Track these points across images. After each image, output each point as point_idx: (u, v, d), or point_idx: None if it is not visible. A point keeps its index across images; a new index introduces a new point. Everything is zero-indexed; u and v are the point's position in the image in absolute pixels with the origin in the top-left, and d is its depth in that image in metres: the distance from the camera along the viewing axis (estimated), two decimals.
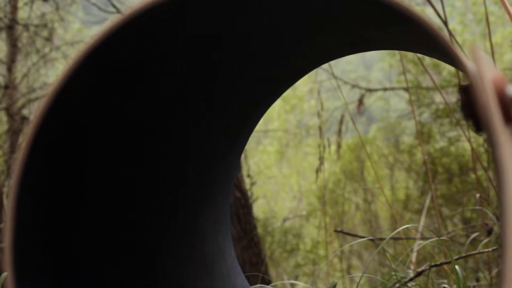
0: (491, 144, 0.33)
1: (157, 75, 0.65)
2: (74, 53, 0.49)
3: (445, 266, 1.34)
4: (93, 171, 0.64)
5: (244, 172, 4.02)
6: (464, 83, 0.36)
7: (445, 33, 0.39)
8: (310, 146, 9.30)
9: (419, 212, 5.07)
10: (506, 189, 0.32)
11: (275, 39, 0.67)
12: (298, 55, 0.75)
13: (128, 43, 0.55)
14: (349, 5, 0.55)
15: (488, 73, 0.36)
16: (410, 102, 2.08)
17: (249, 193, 3.51)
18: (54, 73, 6.71)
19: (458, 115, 4.36)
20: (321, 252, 5.94)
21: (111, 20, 0.49)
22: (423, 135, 5.15)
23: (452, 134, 5.19)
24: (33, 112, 0.50)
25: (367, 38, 0.68)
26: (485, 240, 1.38)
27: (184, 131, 0.74)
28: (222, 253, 0.84)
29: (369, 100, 6.34)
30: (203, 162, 0.79)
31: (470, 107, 0.36)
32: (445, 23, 1.56)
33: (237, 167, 0.91)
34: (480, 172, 3.27)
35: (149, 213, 0.73)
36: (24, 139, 0.49)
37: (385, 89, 6.61)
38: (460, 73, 1.54)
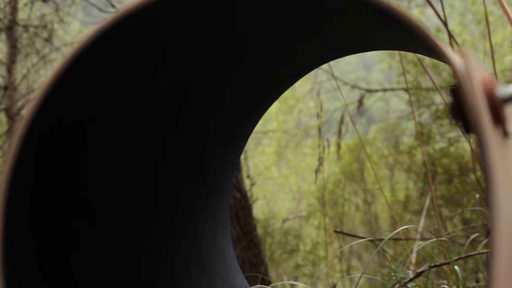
0: (480, 145, 0.33)
1: (150, 75, 0.65)
2: (67, 51, 0.49)
3: (445, 267, 1.34)
4: (88, 168, 0.64)
5: (244, 173, 4.01)
6: (453, 84, 0.36)
7: (431, 32, 0.39)
8: (309, 147, 9.30)
9: (419, 213, 5.07)
10: (495, 189, 0.32)
11: (274, 40, 0.67)
12: (297, 55, 0.75)
13: (120, 41, 0.55)
14: (346, 7, 0.55)
15: (477, 74, 0.36)
16: (410, 103, 2.08)
17: (248, 194, 3.51)
18: None
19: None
20: (321, 252, 5.94)
21: (105, 18, 0.49)
22: (423, 136, 5.15)
23: (452, 135, 5.19)
24: (25, 109, 0.50)
25: (365, 39, 0.68)
26: (485, 241, 1.38)
27: (181, 132, 0.75)
28: (221, 252, 0.84)
29: (369, 101, 6.34)
30: (200, 162, 0.79)
31: (458, 108, 0.36)
32: (445, 23, 1.56)
33: (236, 167, 0.91)
34: (480, 173, 3.27)
35: (145, 210, 0.73)
36: (13, 138, 0.49)
37: (385, 90, 6.61)
38: None
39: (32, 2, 4.79)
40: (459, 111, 0.36)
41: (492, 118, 0.35)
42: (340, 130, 3.35)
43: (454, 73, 0.36)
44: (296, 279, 5.56)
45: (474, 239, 1.61)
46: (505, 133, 0.36)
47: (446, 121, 5.18)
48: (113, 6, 4.51)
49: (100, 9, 5.11)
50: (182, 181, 0.78)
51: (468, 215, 3.82)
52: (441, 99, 4.81)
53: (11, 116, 4.71)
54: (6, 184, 0.48)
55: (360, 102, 5.04)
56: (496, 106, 0.35)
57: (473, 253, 1.16)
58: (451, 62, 0.37)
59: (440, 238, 1.11)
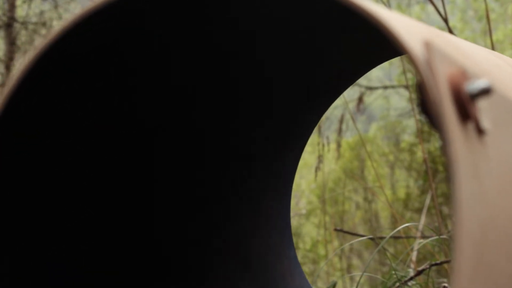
0: (444, 142, 0.32)
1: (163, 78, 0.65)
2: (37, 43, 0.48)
3: (446, 265, 1.32)
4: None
5: None
6: (418, 79, 0.34)
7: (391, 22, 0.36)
8: (307, 145, 9.29)
9: (419, 211, 5.07)
10: (457, 187, 0.31)
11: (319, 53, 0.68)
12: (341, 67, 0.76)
13: (109, 27, 0.54)
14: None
15: (442, 68, 0.34)
16: (410, 100, 2.06)
17: None
18: None
19: None
20: (321, 251, 5.93)
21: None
22: (424, 134, 5.14)
23: None
24: None
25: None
26: None
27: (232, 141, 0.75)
28: (276, 253, 0.84)
29: (369, 99, 6.33)
30: (254, 171, 0.80)
31: (424, 104, 0.34)
32: (446, 20, 1.55)
33: (294, 172, 0.93)
34: None
35: (210, 219, 0.74)
36: None
37: (385, 87, 6.60)
38: None
39: None
40: (425, 107, 0.34)
41: (459, 115, 0.34)
42: (340, 128, 3.33)
43: (415, 68, 0.34)
44: None
45: None
46: (479, 130, 0.35)
47: None
48: None
49: None
50: (236, 191, 0.78)
51: None
52: None
53: None
54: None
55: (360, 99, 5.03)
56: (463, 102, 0.34)
57: None
58: (413, 57, 0.35)
59: (441, 236, 1.09)
